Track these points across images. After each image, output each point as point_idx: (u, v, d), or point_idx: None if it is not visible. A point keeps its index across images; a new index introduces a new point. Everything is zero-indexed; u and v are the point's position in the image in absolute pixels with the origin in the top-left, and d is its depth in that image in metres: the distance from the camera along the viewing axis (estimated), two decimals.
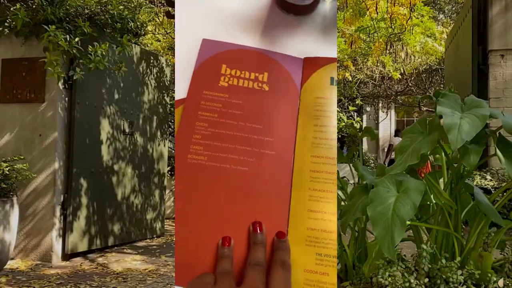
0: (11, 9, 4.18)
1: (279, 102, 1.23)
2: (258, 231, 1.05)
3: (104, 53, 4.18)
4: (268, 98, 1.24)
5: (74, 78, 4.23)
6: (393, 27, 8.98)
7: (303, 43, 1.31)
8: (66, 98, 4.46)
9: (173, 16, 6.03)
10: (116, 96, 5.03)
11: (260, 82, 1.25)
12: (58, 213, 4.35)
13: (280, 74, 1.27)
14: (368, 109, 17.05)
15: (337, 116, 8.24)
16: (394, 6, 7.97)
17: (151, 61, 5.68)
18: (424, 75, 12.83)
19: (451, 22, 12.70)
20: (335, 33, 1.35)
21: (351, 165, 2.60)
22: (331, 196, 1.14)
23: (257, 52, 1.30)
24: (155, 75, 5.75)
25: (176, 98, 1.23)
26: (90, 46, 4.15)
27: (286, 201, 1.15)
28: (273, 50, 1.32)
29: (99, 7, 4.60)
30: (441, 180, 2.11)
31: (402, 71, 11.22)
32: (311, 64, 1.28)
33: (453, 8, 13.92)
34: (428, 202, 2.10)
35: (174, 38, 8.77)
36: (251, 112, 1.22)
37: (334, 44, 1.32)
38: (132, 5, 5.19)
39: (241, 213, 1.11)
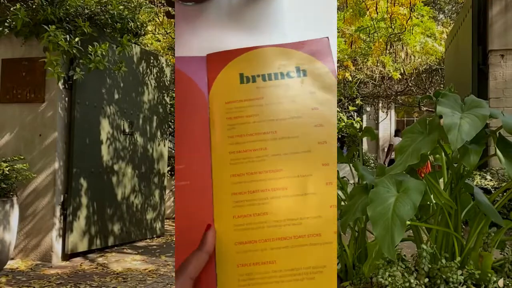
0: (11, 9, 4.17)
1: (186, 118, 1.02)
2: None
3: (104, 53, 4.18)
4: (178, 115, 1.05)
5: (74, 78, 4.23)
6: (393, 27, 8.98)
7: (207, 35, 1.07)
8: (66, 98, 4.46)
9: (173, 16, 6.02)
10: (116, 96, 5.03)
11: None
12: (58, 213, 4.35)
13: (184, 83, 1.06)
14: (368, 109, 17.04)
15: (337, 116, 8.24)
16: (394, 6, 7.97)
17: (151, 61, 5.67)
18: (424, 75, 12.82)
19: (451, 22, 12.70)
20: (256, 18, 1.08)
21: (351, 165, 2.60)
22: (261, 220, 0.98)
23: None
24: (155, 75, 5.75)
25: None
26: (90, 46, 4.15)
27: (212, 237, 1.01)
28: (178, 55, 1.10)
29: (99, 7, 4.60)
30: (441, 180, 2.11)
31: (402, 71, 11.22)
32: (215, 62, 1.04)
33: (453, 8, 13.92)
34: (428, 202, 2.09)
35: (174, 38, 8.77)
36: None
37: (254, 28, 1.06)
38: (132, 5, 5.19)
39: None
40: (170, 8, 6.51)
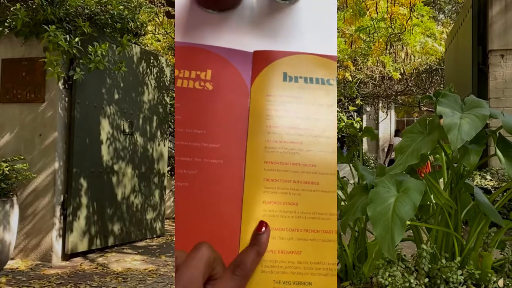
0: (11, 9, 4.18)
1: (225, 103, 1.07)
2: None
3: (104, 53, 4.18)
4: (212, 98, 1.08)
5: (74, 78, 4.23)
6: (393, 27, 8.98)
7: (231, 39, 1.17)
8: (66, 98, 4.46)
9: (173, 16, 6.03)
10: (116, 96, 5.03)
11: (203, 81, 1.10)
12: (58, 213, 4.35)
13: (226, 71, 1.11)
14: (368, 109, 17.05)
15: (337, 116, 8.24)
16: (394, 6, 7.97)
17: (151, 61, 5.68)
18: (424, 75, 12.83)
19: (451, 22, 12.71)
20: (288, 24, 1.16)
21: (351, 165, 2.60)
22: (290, 209, 1.00)
23: (199, 48, 1.14)
24: (155, 75, 5.75)
25: None
26: (90, 46, 4.15)
27: (236, 218, 1.01)
28: (217, 45, 1.15)
29: (99, 7, 4.60)
30: (441, 180, 2.11)
31: (402, 71, 11.22)
32: (261, 58, 1.12)
33: (453, 8, 13.93)
34: (428, 202, 2.10)
35: (174, 38, 8.77)
36: (191, 116, 1.07)
37: (274, 35, 1.15)
38: (132, 5, 5.19)
39: (193, 233, 0.99)
40: (170, 8, 6.51)
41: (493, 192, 4.02)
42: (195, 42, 1.16)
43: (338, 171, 1.62)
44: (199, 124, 1.07)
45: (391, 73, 10.50)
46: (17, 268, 4.08)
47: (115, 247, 5.00)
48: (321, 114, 1.07)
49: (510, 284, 1.82)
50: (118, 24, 4.72)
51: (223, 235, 1.01)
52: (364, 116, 17.28)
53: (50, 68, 3.87)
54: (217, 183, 1.03)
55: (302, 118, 1.06)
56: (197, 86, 1.09)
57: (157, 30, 9.37)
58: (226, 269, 0.91)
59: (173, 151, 7.58)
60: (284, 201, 1.00)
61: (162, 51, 9.51)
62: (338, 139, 13.91)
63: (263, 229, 0.97)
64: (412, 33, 9.23)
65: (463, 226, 2.23)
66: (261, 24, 1.19)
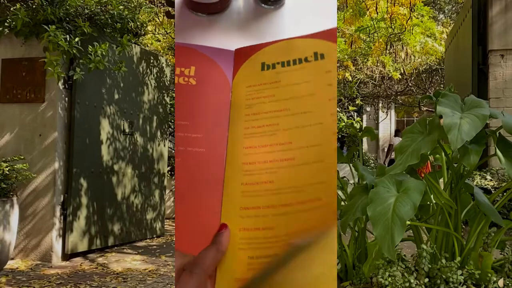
0: (11, 9, 4.18)
1: (208, 96, 1.16)
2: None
3: (104, 53, 4.18)
4: (195, 92, 1.16)
5: (74, 78, 4.23)
6: (393, 27, 8.97)
7: (219, 40, 1.26)
8: (66, 98, 4.46)
9: (173, 16, 6.03)
10: (116, 96, 5.03)
11: (186, 77, 1.18)
12: (58, 213, 4.35)
13: (209, 68, 1.20)
14: (368, 109, 17.04)
15: (337, 116, 8.24)
16: (394, 6, 7.97)
17: (151, 61, 5.68)
18: (424, 75, 12.83)
19: (451, 22, 12.70)
20: (267, 24, 1.25)
21: (351, 165, 2.60)
22: (266, 187, 1.06)
23: (184, 47, 1.23)
24: (155, 75, 5.75)
25: None
26: (90, 46, 4.15)
27: (217, 201, 1.08)
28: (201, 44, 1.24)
29: (99, 7, 4.60)
30: (441, 180, 2.11)
31: (402, 71, 11.21)
32: (242, 55, 1.21)
33: (453, 8, 13.92)
34: (428, 202, 2.09)
35: (174, 38, 8.77)
36: (177, 109, 1.16)
37: (260, 36, 1.23)
38: (132, 5, 5.19)
39: (182, 213, 1.06)
40: (170, 8, 6.50)
41: (493, 192, 4.02)
42: (186, 42, 1.23)
43: (338, 171, 1.62)
44: (183, 116, 1.15)
45: (391, 73, 10.49)
46: (17, 268, 4.08)
47: (115, 247, 5.00)
48: (299, 92, 1.13)
49: (510, 284, 1.82)
50: (118, 24, 4.72)
51: (206, 219, 1.07)
52: (364, 116, 17.28)
53: (50, 68, 3.87)
54: (200, 170, 1.09)
55: (280, 100, 1.12)
56: (180, 81, 1.19)
57: (157, 30, 9.36)
58: (184, 269, 0.97)
59: (173, 151, 7.58)
60: (261, 181, 1.07)
61: (162, 51, 9.50)
62: (338, 139, 13.91)
63: (223, 230, 1.03)
64: (412, 33, 9.22)
65: (463, 226, 2.23)
66: (247, 27, 1.26)
